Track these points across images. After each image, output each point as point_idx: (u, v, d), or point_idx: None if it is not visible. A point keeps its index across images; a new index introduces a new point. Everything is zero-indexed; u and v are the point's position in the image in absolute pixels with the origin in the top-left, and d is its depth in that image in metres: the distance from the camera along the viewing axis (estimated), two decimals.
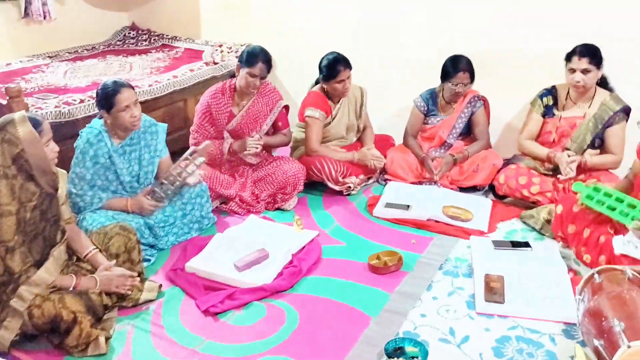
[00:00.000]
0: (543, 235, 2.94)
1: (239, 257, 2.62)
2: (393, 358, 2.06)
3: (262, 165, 3.35)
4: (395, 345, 2.12)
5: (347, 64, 3.32)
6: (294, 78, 4.19)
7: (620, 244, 2.45)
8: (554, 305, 2.36)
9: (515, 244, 2.81)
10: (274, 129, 3.41)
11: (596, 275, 2.12)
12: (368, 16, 3.93)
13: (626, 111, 3.06)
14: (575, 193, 2.70)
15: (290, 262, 2.65)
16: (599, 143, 3.13)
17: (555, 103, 3.23)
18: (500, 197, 3.32)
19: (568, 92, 3.19)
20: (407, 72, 3.87)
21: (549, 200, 3.09)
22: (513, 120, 3.70)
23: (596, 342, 1.88)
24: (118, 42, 4.74)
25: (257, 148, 3.22)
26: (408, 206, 3.15)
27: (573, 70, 3.03)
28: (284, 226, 3.01)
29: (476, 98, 3.47)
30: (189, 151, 2.87)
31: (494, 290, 2.45)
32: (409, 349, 2.11)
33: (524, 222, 3.06)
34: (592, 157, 3.09)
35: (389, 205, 3.19)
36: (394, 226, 3.07)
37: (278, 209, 3.25)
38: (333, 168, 3.29)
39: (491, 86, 3.51)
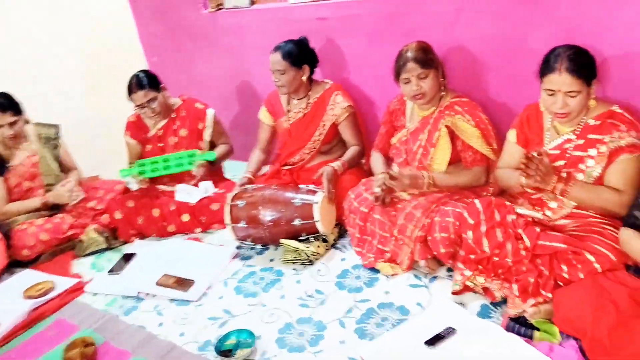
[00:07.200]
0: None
1: None
2: (231, 355, 2.10)
3: None
4: (220, 349, 2.13)
5: None
6: None
7: (180, 194, 3.08)
8: (214, 259, 2.79)
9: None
10: None
11: (237, 202, 2.73)
12: None
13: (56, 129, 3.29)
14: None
15: None
16: None
17: None
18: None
19: None
20: None
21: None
22: None
23: (296, 223, 2.61)
24: None
25: None
26: None
27: None
28: None
29: None
30: None
31: (179, 283, 2.61)
32: (228, 342, 2.16)
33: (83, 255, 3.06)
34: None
35: None
36: None
37: None
38: None
39: None
